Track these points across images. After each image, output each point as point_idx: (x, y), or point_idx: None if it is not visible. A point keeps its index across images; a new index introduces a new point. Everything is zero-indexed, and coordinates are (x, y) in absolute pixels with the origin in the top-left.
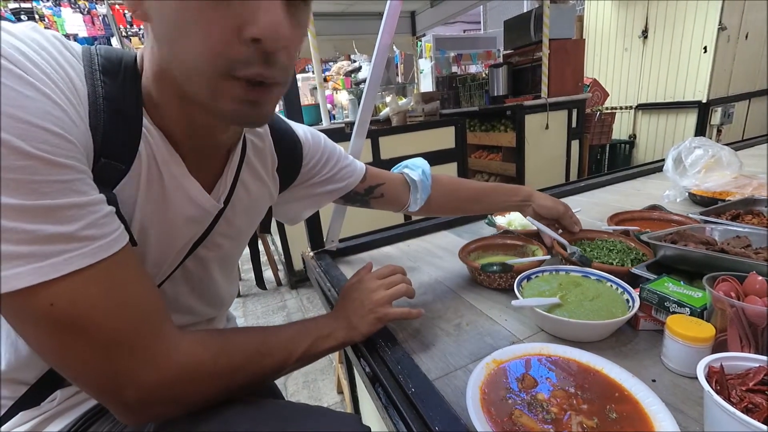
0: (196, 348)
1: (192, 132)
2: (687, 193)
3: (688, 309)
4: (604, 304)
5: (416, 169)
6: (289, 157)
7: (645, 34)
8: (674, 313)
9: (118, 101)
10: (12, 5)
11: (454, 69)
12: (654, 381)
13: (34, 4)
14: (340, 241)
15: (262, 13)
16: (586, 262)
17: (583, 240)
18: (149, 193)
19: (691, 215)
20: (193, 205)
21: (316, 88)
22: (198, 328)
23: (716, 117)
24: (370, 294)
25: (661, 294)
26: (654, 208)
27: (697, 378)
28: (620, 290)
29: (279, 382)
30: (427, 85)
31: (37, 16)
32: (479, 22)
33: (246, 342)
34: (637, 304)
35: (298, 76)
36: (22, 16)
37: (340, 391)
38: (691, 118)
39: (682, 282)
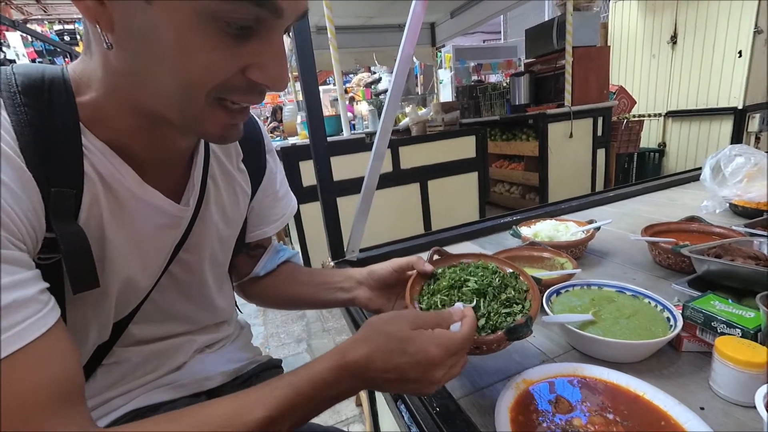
0: None
1: (150, 144)
2: (727, 204)
3: (739, 330)
4: (642, 322)
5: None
6: (251, 142)
7: (674, 39)
8: (723, 334)
9: (46, 123)
10: (56, 27)
11: (475, 78)
12: (702, 409)
13: (77, 26)
14: (361, 250)
15: (270, 65)
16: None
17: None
18: (110, 210)
19: (734, 228)
20: (159, 213)
21: (337, 99)
22: (208, 335)
23: (754, 124)
24: (431, 369)
25: (708, 313)
26: (692, 219)
27: (752, 407)
28: (660, 307)
29: None
30: (446, 95)
31: (78, 37)
32: (499, 32)
33: None
34: (680, 323)
35: (320, 88)
36: (65, 37)
37: (359, 404)
38: (726, 125)
39: (729, 300)
